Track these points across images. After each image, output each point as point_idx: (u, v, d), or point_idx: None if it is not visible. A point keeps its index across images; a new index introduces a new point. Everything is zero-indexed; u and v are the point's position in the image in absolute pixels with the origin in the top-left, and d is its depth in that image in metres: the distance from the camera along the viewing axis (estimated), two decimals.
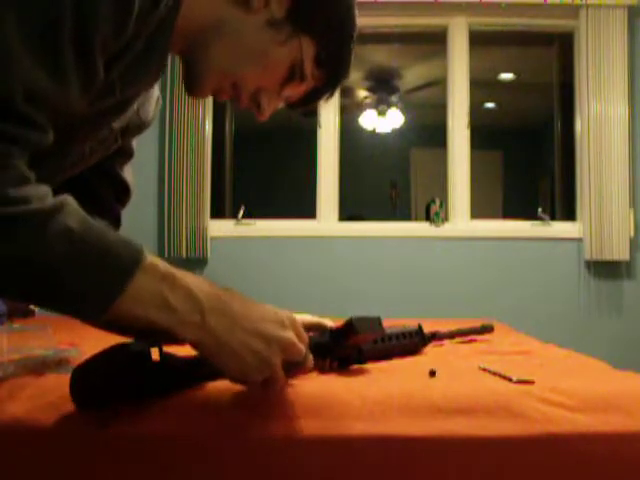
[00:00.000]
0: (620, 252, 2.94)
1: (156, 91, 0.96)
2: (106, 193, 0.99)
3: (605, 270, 3.02)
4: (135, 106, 0.87)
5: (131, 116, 0.88)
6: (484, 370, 0.90)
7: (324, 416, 0.70)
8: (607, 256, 2.94)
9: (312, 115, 3.29)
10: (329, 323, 0.91)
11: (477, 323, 1.48)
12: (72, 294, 0.59)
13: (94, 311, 0.60)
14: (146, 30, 0.66)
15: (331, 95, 0.87)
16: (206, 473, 0.68)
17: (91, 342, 0.81)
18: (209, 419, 0.69)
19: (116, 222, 1.01)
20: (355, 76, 5.01)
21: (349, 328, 0.82)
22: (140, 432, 0.68)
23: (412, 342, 1.11)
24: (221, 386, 0.74)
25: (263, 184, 5.88)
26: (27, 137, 0.60)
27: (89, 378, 0.68)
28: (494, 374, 0.86)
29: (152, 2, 0.64)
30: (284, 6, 0.76)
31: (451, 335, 1.33)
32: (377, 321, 0.87)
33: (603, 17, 2.98)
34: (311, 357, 0.73)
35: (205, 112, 3.03)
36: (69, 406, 0.69)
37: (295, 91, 0.83)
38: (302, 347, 0.69)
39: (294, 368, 0.71)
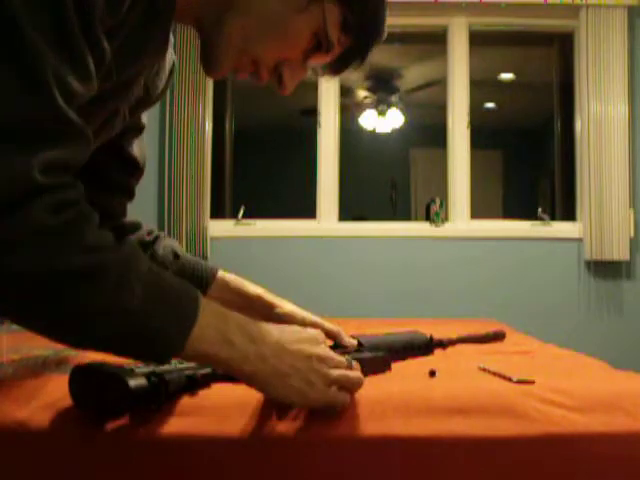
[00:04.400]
0: (620, 252, 2.94)
1: (170, 60, 0.91)
2: (116, 170, 0.96)
3: (605, 270, 3.02)
4: (142, 81, 0.82)
5: (138, 92, 0.84)
6: (484, 370, 0.90)
7: (324, 417, 0.69)
8: (607, 256, 2.94)
9: (312, 114, 3.29)
10: (327, 325, 0.93)
11: (477, 323, 1.48)
12: (148, 338, 0.60)
13: (167, 352, 0.61)
14: (141, 4, 0.63)
15: (362, 61, 0.80)
16: (206, 474, 0.68)
17: None
18: (209, 420, 0.69)
19: (129, 196, 1.01)
20: (355, 76, 5.01)
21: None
22: (140, 433, 0.68)
23: (418, 354, 1.09)
24: (221, 388, 0.74)
25: (263, 184, 5.88)
26: (76, 151, 0.58)
27: (80, 384, 0.69)
28: (494, 374, 0.86)
29: None
30: None
31: (461, 341, 1.31)
32: (386, 361, 0.87)
33: (603, 17, 2.98)
34: (357, 366, 0.73)
35: (205, 112, 3.03)
36: (69, 407, 0.69)
37: (321, 60, 0.77)
38: (341, 359, 0.71)
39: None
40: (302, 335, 0.70)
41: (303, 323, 0.95)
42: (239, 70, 0.76)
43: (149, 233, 1.04)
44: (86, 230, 0.57)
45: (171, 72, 0.93)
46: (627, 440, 0.69)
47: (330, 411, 0.69)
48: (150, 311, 0.59)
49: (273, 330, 0.68)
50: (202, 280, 1.03)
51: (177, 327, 0.61)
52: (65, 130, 0.56)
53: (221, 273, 1.04)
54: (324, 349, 0.70)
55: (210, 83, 3.08)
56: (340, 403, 0.69)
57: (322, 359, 0.69)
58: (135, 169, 0.99)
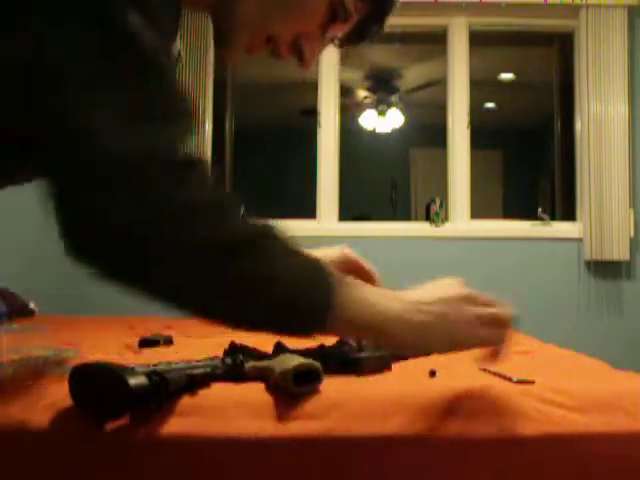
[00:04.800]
0: (620, 252, 2.94)
1: (176, 47, 0.92)
2: None
3: (605, 270, 3.02)
4: None
5: None
6: (484, 370, 0.90)
7: (324, 417, 0.69)
8: (607, 256, 2.94)
9: (312, 114, 3.29)
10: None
11: None
12: (310, 302, 0.62)
13: (320, 323, 0.63)
14: None
15: (379, 29, 0.79)
16: (206, 474, 0.68)
17: (90, 342, 0.81)
18: (209, 420, 0.69)
19: None
20: (355, 76, 5.01)
21: (355, 363, 0.82)
22: (140, 433, 0.68)
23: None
24: (221, 388, 0.74)
25: (263, 184, 5.88)
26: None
27: (80, 384, 0.69)
28: (494, 374, 0.86)
29: None
30: None
31: None
32: (386, 361, 0.87)
33: (603, 17, 2.99)
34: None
35: (205, 111, 3.03)
36: (69, 407, 0.69)
37: (339, 30, 0.76)
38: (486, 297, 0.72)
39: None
40: (438, 285, 0.72)
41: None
42: (254, 48, 0.75)
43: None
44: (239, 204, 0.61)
45: (177, 60, 0.93)
46: (627, 440, 0.69)
47: (494, 351, 0.70)
48: (305, 279, 0.62)
49: (408, 292, 0.69)
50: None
51: (322, 297, 0.62)
52: (188, 116, 0.62)
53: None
54: (465, 289, 0.71)
55: (210, 82, 3.08)
56: (498, 338, 0.70)
57: (466, 299, 0.70)
58: None
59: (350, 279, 0.66)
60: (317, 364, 0.72)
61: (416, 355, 0.75)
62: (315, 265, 0.64)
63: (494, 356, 0.71)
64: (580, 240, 3.03)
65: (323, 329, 0.64)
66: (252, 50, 0.75)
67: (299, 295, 0.61)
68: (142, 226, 0.56)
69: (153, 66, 0.59)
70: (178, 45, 0.92)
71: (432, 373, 0.86)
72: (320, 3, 0.72)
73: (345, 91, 3.95)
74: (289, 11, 0.71)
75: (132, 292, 0.60)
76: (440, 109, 3.31)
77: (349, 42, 0.79)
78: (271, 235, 0.62)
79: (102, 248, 0.57)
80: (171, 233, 0.56)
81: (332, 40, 0.77)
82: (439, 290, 0.70)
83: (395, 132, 5.56)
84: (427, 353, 0.70)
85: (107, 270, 0.59)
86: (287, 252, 0.62)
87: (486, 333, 0.69)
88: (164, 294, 0.61)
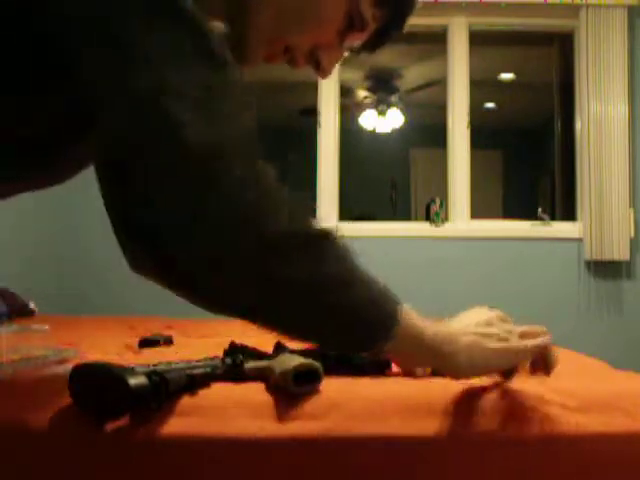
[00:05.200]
0: (620, 252, 2.94)
1: None
2: None
3: (605, 270, 3.02)
4: None
5: None
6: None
7: (324, 417, 0.69)
8: (607, 256, 2.94)
9: (312, 114, 3.29)
10: None
11: None
12: (382, 318, 0.64)
13: (383, 337, 0.64)
14: None
15: (399, 32, 0.78)
16: (206, 474, 0.68)
17: (90, 342, 0.81)
18: (209, 420, 0.69)
19: None
20: (355, 76, 5.01)
21: (355, 363, 0.82)
22: (140, 433, 0.68)
23: None
24: (221, 388, 0.74)
25: None
26: None
27: (80, 384, 0.69)
28: None
29: None
30: None
31: None
32: (386, 361, 0.87)
33: (603, 17, 2.98)
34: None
35: None
36: (69, 407, 0.69)
37: (357, 39, 0.75)
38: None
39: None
40: (470, 312, 0.73)
41: None
42: (273, 58, 0.75)
43: None
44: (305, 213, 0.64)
45: None
46: (627, 440, 0.69)
47: (546, 359, 0.72)
48: (377, 300, 0.64)
49: (446, 322, 0.71)
50: None
51: (396, 307, 0.65)
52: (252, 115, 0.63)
53: None
54: (496, 311, 0.73)
55: None
56: (544, 344, 0.71)
57: (502, 318, 0.72)
58: None
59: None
60: (317, 364, 0.72)
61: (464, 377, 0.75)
62: (382, 287, 0.66)
63: (543, 367, 0.73)
64: (580, 240, 3.03)
65: (387, 341, 0.65)
66: (270, 60, 0.75)
67: (371, 308, 0.63)
68: (221, 263, 0.58)
69: (226, 67, 0.61)
70: None
71: (433, 373, 0.86)
72: (337, 13, 0.71)
73: (345, 91, 3.95)
74: (306, 22, 0.71)
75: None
76: (440, 109, 3.31)
77: (367, 49, 0.78)
78: (350, 261, 0.64)
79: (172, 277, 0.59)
80: (265, 269, 0.59)
81: (350, 47, 0.77)
82: (473, 316, 0.72)
83: (395, 132, 5.56)
84: (484, 369, 0.71)
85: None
86: (362, 278, 0.64)
87: (528, 345, 0.71)
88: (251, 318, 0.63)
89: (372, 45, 0.78)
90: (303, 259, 0.60)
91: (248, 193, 0.58)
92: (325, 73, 0.76)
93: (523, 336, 0.71)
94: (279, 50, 0.74)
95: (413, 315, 0.67)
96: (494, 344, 0.69)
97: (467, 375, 0.70)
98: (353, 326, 0.64)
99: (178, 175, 0.55)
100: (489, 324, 0.70)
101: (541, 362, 0.72)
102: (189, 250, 0.56)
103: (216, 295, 0.61)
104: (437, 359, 0.69)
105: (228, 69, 0.61)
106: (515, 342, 0.70)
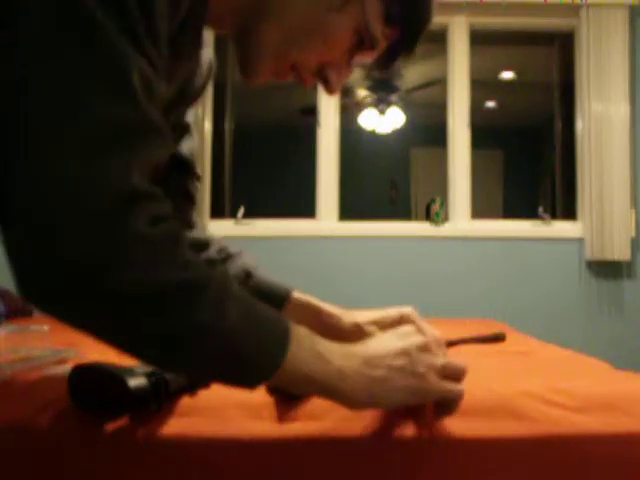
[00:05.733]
0: (621, 252, 2.93)
1: (207, 60, 0.89)
2: (172, 172, 0.91)
3: (606, 270, 3.02)
4: (174, 84, 0.79)
5: (169, 94, 0.79)
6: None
7: (324, 417, 0.69)
8: (608, 256, 2.93)
9: (312, 114, 3.29)
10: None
11: (477, 323, 1.48)
12: (246, 357, 0.57)
13: (266, 372, 0.58)
14: (179, 12, 0.60)
15: (411, 51, 0.75)
16: (206, 474, 0.68)
17: (89, 342, 0.81)
18: (209, 421, 0.69)
19: (190, 200, 0.96)
20: (355, 76, 5.01)
21: None
22: (140, 433, 0.68)
23: None
24: (221, 388, 0.74)
25: (262, 184, 5.88)
26: (163, 155, 0.57)
27: (79, 384, 0.69)
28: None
29: None
30: None
31: (463, 341, 1.31)
32: None
33: (604, 17, 2.98)
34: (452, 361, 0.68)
35: (205, 111, 3.03)
36: (67, 407, 0.69)
37: (367, 57, 0.73)
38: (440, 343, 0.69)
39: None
40: (392, 335, 0.67)
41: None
42: (280, 75, 0.73)
43: (219, 251, 0.98)
44: (182, 245, 0.54)
45: (210, 69, 0.92)
46: (627, 440, 0.69)
47: (450, 405, 0.66)
48: (247, 331, 0.57)
49: (361, 345, 0.65)
50: (277, 301, 0.97)
51: (276, 345, 0.58)
52: (153, 133, 0.55)
53: (297, 294, 0.99)
54: (420, 337, 0.67)
55: (210, 82, 3.08)
56: (457, 393, 0.66)
57: (422, 348, 0.65)
58: (188, 168, 0.95)
59: (305, 331, 0.62)
60: None
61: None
62: (267, 314, 0.60)
63: (448, 408, 0.67)
64: (581, 240, 3.03)
65: (268, 378, 0.59)
66: (279, 77, 0.73)
67: (241, 345, 0.56)
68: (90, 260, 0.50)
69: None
70: (211, 54, 0.90)
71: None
72: (345, 30, 0.69)
73: (345, 91, 3.95)
74: (312, 39, 0.69)
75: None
76: (440, 108, 3.31)
77: (379, 67, 0.76)
78: (216, 281, 0.56)
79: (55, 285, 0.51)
80: (115, 271, 0.50)
81: (360, 65, 0.75)
82: (393, 341, 0.66)
83: (395, 132, 5.56)
84: (394, 407, 0.66)
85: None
86: (233, 300, 0.57)
87: (450, 384, 0.66)
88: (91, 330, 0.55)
89: (384, 63, 0.76)
90: (163, 312, 0.52)
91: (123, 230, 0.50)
92: (333, 91, 0.74)
93: (444, 372, 0.66)
94: (286, 67, 0.72)
95: (303, 353, 0.60)
96: (404, 381, 0.63)
97: (364, 407, 0.65)
98: (227, 374, 0.58)
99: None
100: (406, 354, 0.64)
101: (445, 405, 0.67)
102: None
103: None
104: (333, 395, 0.62)
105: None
106: (432, 380, 0.65)
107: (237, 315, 0.56)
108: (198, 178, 0.99)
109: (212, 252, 0.97)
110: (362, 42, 0.70)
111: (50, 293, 0.51)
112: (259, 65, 0.72)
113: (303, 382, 0.60)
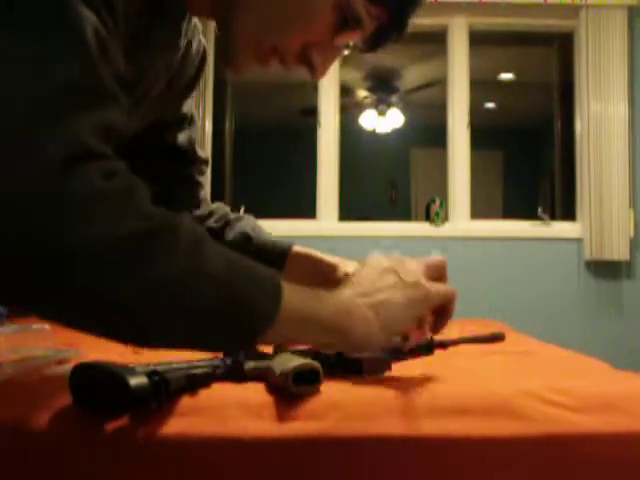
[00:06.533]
0: (620, 252, 2.94)
1: (197, 49, 0.87)
2: (163, 160, 0.94)
3: (605, 270, 3.02)
4: (159, 76, 0.78)
5: (158, 86, 0.79)
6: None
7: (324, 417, 0.69)
8: (607, 256, 2.94)
9: (312, 114, 3.29)
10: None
11: (477, 323, 1.48)
12: (240, 304, 0.54)
13: (263, 320, 0.55)
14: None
15: (401, 33, 0.72)
16: (206, 474, 0.68)
17: (90, 342, 0.81)
18: (209, 420, 0.69)
19: (190, 183, 0.99)
20: (355, 76, 5.01)
21: (355, 367, 0.82)
22: (140, 433, 0.68)
23: (419, 355, 1.09)
24: (221, 388, 0.74)
25: (263, 184, 5.88)
26: (117, 119, 0.54)
27: (80, 384, 0.69)
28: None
29: None
30: None
31: (463, 341, 1.31)
32: (386, 361, 0.87)
33: (603, 17, 2.99)
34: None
35: (205, 111, 3.03)
36: (69, 407, 0.69)
37: (353, 37, 0.70)
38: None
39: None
40: (370, 264, 0.70)
41: None
42: (262, 60, 0.71)
43: (218, 219, 1.00)
44: (141, 197, 0.52)
45: (203, 58, 0.90)
46: (627, 440, 0.69)
47: (449, 308, 0.71)
48: (235, 275, 0.53)
49: (348, 283, 0.67)
50: (279, 255, 1.00)
51: (270, 284, 0.56)
52: (106, 96, 0.53)
53: (297, 247, 1.02)
54: (394, 257, 0.71)
55: (210, 82, 3.08)
56: (452, 292, 0.70)
57: (402, 263, 0.70)
58: (188, 156, 0.97)
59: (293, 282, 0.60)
60: (317, 364, 0.72)
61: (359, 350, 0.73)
62: (253, 264, 0.57)
63: (447, 312, 0.72)
64: (580, 240, 3.03)
65: (266, 327, 0.56)
66: (262, 63, 0.72)
67: (230, 292, 0.53)
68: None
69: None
70: (202, 42, 0.90)
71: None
72: (323, 9, 0.66)
73: (345, 91, 3.95)
74: (289, 20, 0.67)
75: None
76: (440, 109, 3.31)
77: (367, 48, 0.74)
78: (186, 230, 0.52)
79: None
80: (65, 227, 0.47)
81: (348, 47, 0.72)
82: (374, 267, 0.69)
83: (395, 132, 5.56)
84: (396, 324, 0.68)
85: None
86: (212, 249, 0.54)
87: (438, 287, 0.70)
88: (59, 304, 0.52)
89: (372, 44, 0.73)
90: (133, 262, 0.49)
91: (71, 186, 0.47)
92: (318, 73, 0.71)
93: (429, 275, 0.70)
94: (267, 53, 0.70)
95: (298, 295, 0.59)
96: (403, 294, 0.66)
97: (377, 341, 0.66)
98: (210, 329, 0.54)
99: None
100: (391, 271, 0.68)
101: (443, 311, 0.71)
102: None
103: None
104: (339, 334, 0.62)
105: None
106: (426, 285, 0.68)
107: (220, 259, 0.54)
108: (203, 161, 1.02)
109: (211, 222, 1.00)
110: (346, 21, 0.68)
111: (11, 261, 0.47)
112: (239, 56, 0.70)
113: (303, 324, 0.59)
